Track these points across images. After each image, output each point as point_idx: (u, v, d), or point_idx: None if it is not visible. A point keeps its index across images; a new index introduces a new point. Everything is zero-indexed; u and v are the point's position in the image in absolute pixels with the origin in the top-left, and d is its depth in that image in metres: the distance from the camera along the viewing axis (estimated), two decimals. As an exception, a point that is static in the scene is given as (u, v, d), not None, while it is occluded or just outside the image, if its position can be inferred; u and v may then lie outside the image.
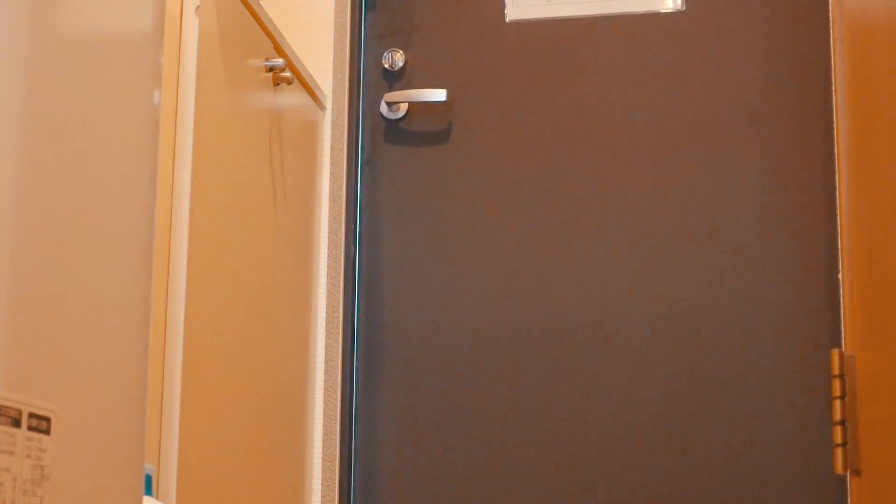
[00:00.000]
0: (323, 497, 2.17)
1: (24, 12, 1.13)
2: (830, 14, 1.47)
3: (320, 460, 2.20)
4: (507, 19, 2.42)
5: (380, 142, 2.43)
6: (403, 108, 2.42)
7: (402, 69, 2.44)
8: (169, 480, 1.57)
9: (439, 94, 2.36)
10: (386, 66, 2.44)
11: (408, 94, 2.39)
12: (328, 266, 2.25)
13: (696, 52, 2.35)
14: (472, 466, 2.27)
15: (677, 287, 2.27)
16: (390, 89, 2.44)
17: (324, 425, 2.21)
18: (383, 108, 2.43)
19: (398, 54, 2.44)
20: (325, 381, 2.21)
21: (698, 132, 2.32)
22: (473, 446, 2.28)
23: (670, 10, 2.37)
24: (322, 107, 2.29)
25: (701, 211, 2.29)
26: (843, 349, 1.26)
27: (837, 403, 1.23)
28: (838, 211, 1.33)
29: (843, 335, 1.30)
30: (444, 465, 2.27)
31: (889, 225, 1.08)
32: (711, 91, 2.32)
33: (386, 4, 2.46)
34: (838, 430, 1.22)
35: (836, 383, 1.24)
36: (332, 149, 2.30)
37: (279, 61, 1.99)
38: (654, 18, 2.37)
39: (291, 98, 2.10)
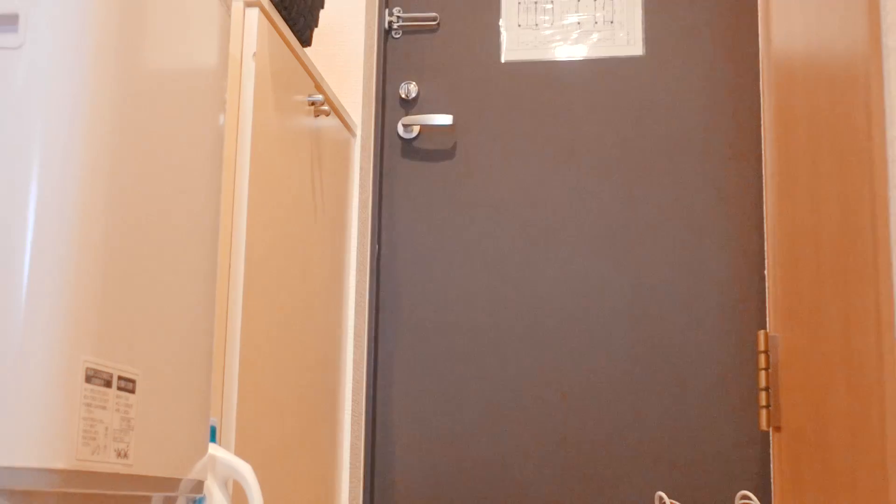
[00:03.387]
0: (352, 444, 2.19)
1: (130, 56, 1.14)
2: (760, 61, 1.47)
3: (350, 414, 2.21)
4: (503, 60, 2.42)
5: (397, 158, 2.44)
6: (416, 129, 2.42)
7: (416, 98, 2.44)
8: (229, 431, 1.58)
9: (446, 119, 2.37)
10: (402, 95, 2.45)
11: (420, 118, 2.39)
12: (357, 261, 2.26)
13: (652, 88, 2.35)
14: (469, 414, 2.28)
15: (635, 277, 2.28)
16: (406, 114, 2.44)
17: (353, 387, 2.22)
18: (400, 130, 2.43)
19: (412, 85, 2.44)
20: (354, 353, 2.23)
21: (654, 153, 2.32)
22: (470, 397, 2.29)
23: (632, 55, 2.37)
24: (353, 132, 2.30)
25: (656, 217, 2.30)
26: (768, 330, 1.26)
27: (763, 374, 1.24)
28: (765, 219, 1.33)
29: (767, 319, 1.30)
30: (445, 414, 2.28)
31: (804, 232, 1.09)
32: (664, 120, 2.33)
33: (403, 46, 2.47)
34: (763, 395, 1.23)
35: (762, 358, 1.25)
36: (361, 167, 2.31)
37: (319, 97, 2.00)
38: (620, 61, 2.38)
39: (328, 125, 2.11)
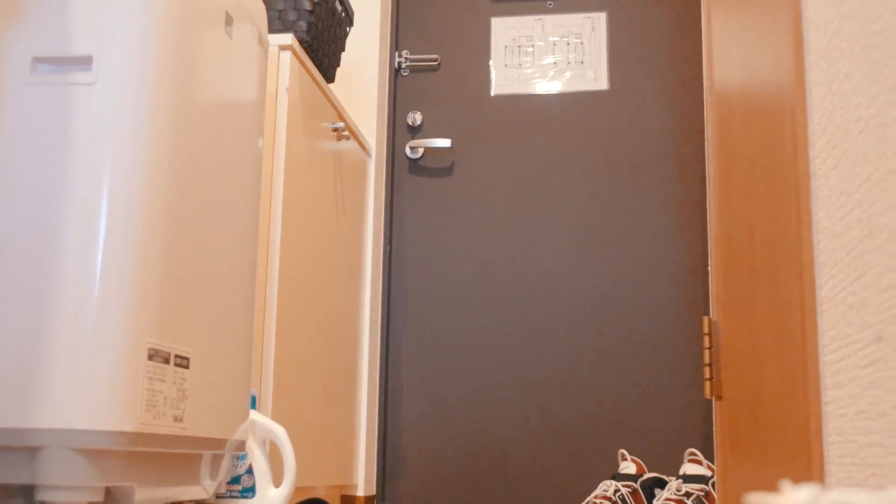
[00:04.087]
0: (367, 409, 2.18)
1: (184, 90, 1.14)
2: (704, 94, 1.47)
3: (366, 384, 2.21)
4: (492, 94, 2.42)
5: (405, 174, 2.44)
6: (421, 151, 2.42)
7: (420, 125, 2.44)
8: (267, 400, 1.58)
9: (445, 142, 2.37)
10: (409, 122, 2.45)
11: (424, 141, 2.39)
12: (371, 258, 2.26)
13: (615, 117, 2.36)
14: (463, 384, 2.28)
15: (602, 273, 2.28)
16: (412, 138, 2.44)
17: (368, 363, 2.22)
18: (407, 151, 2.43)
19: (418, 115, 2.44)
20: (370, 334, 2.22)
21: (617, 170, 2.33)
22: (464, 371, 2.29)
23: (599, 90, 2.37)
24: (368, 153, 2.30)
25: (619, 224, 2.30)
26: (711, 316, 1.26)
27: (707, 352, 1.24)
28: (708, 225, 1.33)
29: (710, 307, 1.31)
30: (444, 384, 2.29)
31: (740, 235, 1.09)
32: (626, 144, 2.33)
33: (410, 82, 2.47)
34: (707, 370, 1.23)
35: (706, 339, 1.25)
36: (375, 181, 2.31)
37: (340, 124, 2.00)
38: (588, 95, 2.38)
39: (348, 147, 2.12)
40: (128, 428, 0.98)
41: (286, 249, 1.68)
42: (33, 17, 1.06)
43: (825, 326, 0.77)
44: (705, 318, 1.25)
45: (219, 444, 1.21)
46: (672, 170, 2.32)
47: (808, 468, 0.78)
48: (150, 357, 1.03)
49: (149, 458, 1.07)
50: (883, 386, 0.63)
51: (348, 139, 2.09)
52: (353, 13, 2.09)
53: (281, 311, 1.64)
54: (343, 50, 2.08)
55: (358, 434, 2.17)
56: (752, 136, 1.05)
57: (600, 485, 1.81)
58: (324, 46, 1.91)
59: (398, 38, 2.49)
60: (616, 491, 1.77)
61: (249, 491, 1.37)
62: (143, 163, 1.04)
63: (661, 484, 1.81)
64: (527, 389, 2.27)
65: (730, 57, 1.21)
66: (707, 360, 1.22)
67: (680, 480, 1.74)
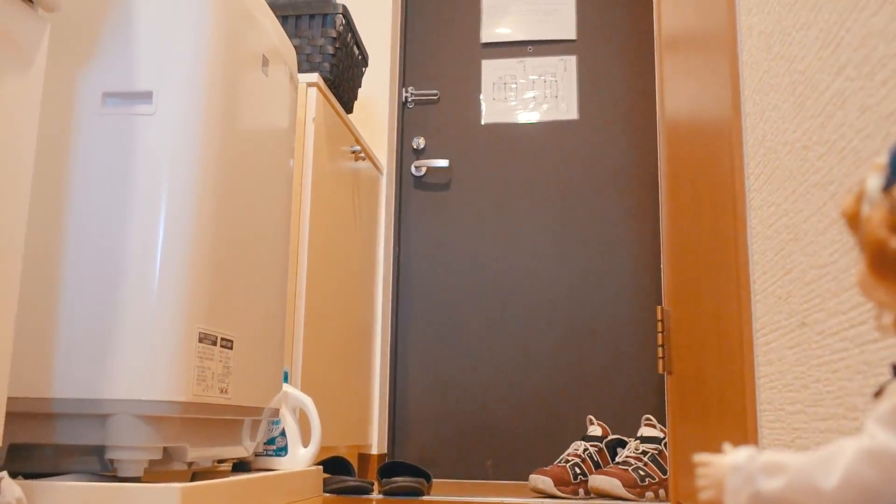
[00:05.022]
0: (380, 382, 2.18)
1: (229, 120, 1.14)
2: (658, 122, 1.47)
3: (379, 361, 2.20)
4: (483, 122, 2.42)
5: (410, 189, 2.43)
6: (424, 169, 2.42)
7: (424, 148, 2.44)
8: (297, 375, 1.58)
9: (444, 163, 2.37)
10: (414, 146, 2.44)
11: (426, 162, 2.39)
12: (383, 259, 2.26)
13: (584, 142, 2.35)
14: (458, 359, 2.28)
15: (573, 270, 2.28)
16: (417, 159, 2.44)
17: (381, 345, 2.22)
18: (413, 170, 2.43)
19: (421, 139, 2.44)
20: (382, 321, 2.22)
21: (585, 186, 2.32)
22: (459, 348, 2.29)
23: (570, 119, 2.37)
24: (381, 172, 2.29)
25: (587, 230, 2.30)
26: (663, 305, 1.26)
27: (660, 335, 1.24)
28: (661, 231, 1.33)
29: (662, 298, 1.31)
30: (443, 360, 2.28)
31: (688, 238, 1.09)
32: (593, 164, 2.33)
33: (415, 113, 2.47)
34: (660, 349, 1.23)
35: (659, 324, 1.25)
36: (386, 195, 2.31)
37: (357, 147, 2.00)
38: (562, 123, 2.38)
39: (364, 167, 2.11)
40: (182, 398, 0.98)
41: (313, 251, 1.67)
42: (103, 59, 1.06)
43: (758, 314, 0.76)
44: (658, 308, 1.24)
45: (257, 411, 1.21)
46: (631, 185, 2.32)
47: (744, 431, 0.78)
48: (201, 340, 1.03)
49: (199, 423, 1.07)
50: (806, 363, 0.62)
51: (364, 160, 2.09)
52: (367, 56, 2.09)
53: (308, 302, 1.64)
54: (360, 86, 2.08)
55: (372, 403, 2.17)
56: (697, 156, 1.05)
57: (572, 445, 1.81)
58: (344, 83, 1.91)
59: (405, 76, 2.49)
60: (585, 450, 1.76)
61: (282, 450, 1.37)
62: (195, 180, 1.04)
63: (623, 444, 1.81)
64: (511, 366, 2.27)
65: (678, 92, 1.20)
66: (660, 341, 1.22)
67: (638, 441, 1.73)
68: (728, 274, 0.86)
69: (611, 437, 1.82)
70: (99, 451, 1.01)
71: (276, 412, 1.29)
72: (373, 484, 1.58)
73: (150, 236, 1.01)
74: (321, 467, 1.47)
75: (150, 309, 0.99)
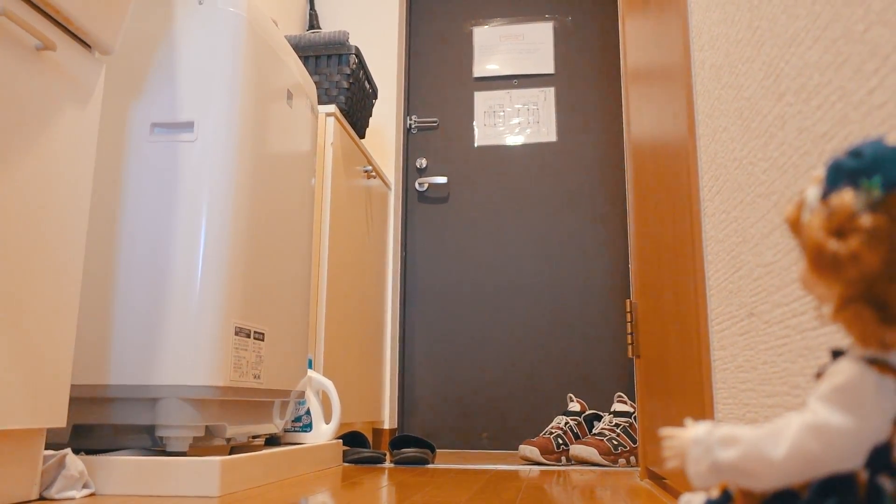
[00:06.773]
0: (390, 366, 2.17)
1: (260, 145, 1.14)
2: (625, 142, 1.47)
3: (389, 350, 2.20)
4: (475, 145, 2.42)
5: (415, 202, 2.43)
6: (426, 185, 2.41)
7: (426, 167, 2.44)
8: (319, 361, 1.58)
9: (443, 180, 2.36)
10: (417, 166, 2.44)
11: (428, 179, 2.38)
12: (392, 261, 2.25)
13: (563, 161, 2.35)
14: (457, 345, 2.27)
15: (554, 269, 2.27)
16: (420, 177, 2.43)
17: (391, 334, 2.21)
18: (416, 186, 2.42)
19: (423, 160, 2.43)
20: (391, 315, 2.21)
21: (563, 198, 2.32)
22: (458, 335, 2.27)
23: (550, 141, 2.37)
24: (389, 188, 2.29)
25: (565, 235, 2.29)
26: (631, 298, 1.26)
27: (629, 324, 1.23)
28: (629, 234, 1.33)
29: (630, 292, 1.30)
30: (443, 345, 2.27)
31: (651, 241, 1.08)
32: (570, 179, 2.33)
33: (418, 137, 2.46)
34: (629, 337, 1.23)
35: (628, 315, 1.24)
36: (394, 208, 2.30)
37: (369, 167, 2.00)
38: (543, 145, 2.37)
39: (375, 184, 2.11)
40: (221, 383, 0.98)
41: (332, 256, 1.67)
42: (151, 94, 1.06)
43: (712, 306, 0.76)
44: (627, 301, 1.24)
45: (285, 393, 1.20)
46: (603, 196, 2.31)
47: (702, 407, 0.77)
48: (237, 333, 1.02)
49: (236, 405, 1.06)
50: (754, 348, 0.62)
51: (375, 178, 2.08)
52: (377, 90, 2.08)
53: (329, 300, 1.63)
54: (371, 115, 2.08)
55: (384, 385, 2.16)
56: (659, 172, 1.05)
57: (555, 419, 1.80)
58: (357, 113, 1.91)
59: (409, 106, 2.49)
60: (566, 423, 1.76)
61: (308, 427, 1.36)
62: (231, 196, 1.04)
63: (599, 418, 1.80)
64: (503, 351, 2.26)
65: (642, 117, 1.20)
66: (629, 330, 1.22)
67: (611, 415, 1.73)
68: (686, 272, 0.85)
69: (588, 411, 1.81)
70: (150, 429, 1.00)
71: (302, 394, 1.29)
72: (385, 454, 1.57)
73: (193, 245, 1.01)
74: (341, 441, 1.47)
75: (193, 307, 0.99)
